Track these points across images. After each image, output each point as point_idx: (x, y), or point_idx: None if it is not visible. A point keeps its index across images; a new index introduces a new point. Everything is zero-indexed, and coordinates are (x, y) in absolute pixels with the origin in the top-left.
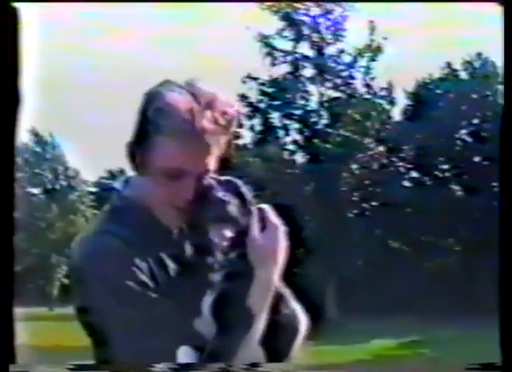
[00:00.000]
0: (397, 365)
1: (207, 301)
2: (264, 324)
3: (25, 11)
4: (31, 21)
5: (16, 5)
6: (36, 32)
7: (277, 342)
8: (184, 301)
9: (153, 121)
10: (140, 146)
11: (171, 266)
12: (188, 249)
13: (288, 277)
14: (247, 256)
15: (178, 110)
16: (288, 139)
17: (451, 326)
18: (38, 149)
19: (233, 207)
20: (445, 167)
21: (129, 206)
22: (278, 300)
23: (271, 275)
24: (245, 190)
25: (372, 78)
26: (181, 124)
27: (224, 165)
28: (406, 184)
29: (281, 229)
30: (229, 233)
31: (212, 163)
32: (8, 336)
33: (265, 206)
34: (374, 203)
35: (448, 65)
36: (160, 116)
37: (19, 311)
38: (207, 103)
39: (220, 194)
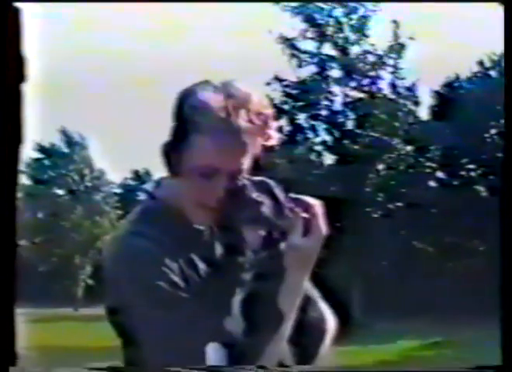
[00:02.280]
0: (422, 366)
1: (237, 300)
2: (293, 325)
3: (29, 10)
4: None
5: (18, 4)
6: (54, 30)
7: (305, 343)
8: (215, 301)
9: (188, 119)
10: (175, 145)
11: (202, 266)
12: (219, 249)
13: (314, 277)
14: (284, 257)
15: (212, 107)
16: (315, 140)
17: (476, 327)
18: (65, 150)
19: (266, 208)
20: (472, 167)
21: (161, 207)
22: (307, 301)
23: (303, 277)
24: (278, 191)
25: (399, 78)
26: (216, 121)
27: (257, 167)
28: (433, 184)
29: (324, 234)
30: (261, 234)
31: (245, 162)
32: (9, 338)
33: (317, 204)
34: (399, 204)
35: (480, 63)
36: (195, 114)
37: (44, 311)
38: (242, 102)
39: (254, 195)
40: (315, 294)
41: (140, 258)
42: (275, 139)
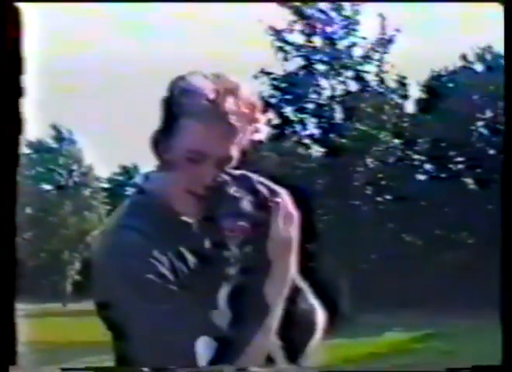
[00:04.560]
0: (410, 358)
1: (223, 293)
2: (282, 317)
3: (27, 10)
4: (34, 20)
5: (17, 4)
6: (41, 30)
7: (295, 335)
8: (202, 294)
9: (178, 102)
10: (164, 132)
11: (190, 259)
12: (207, 242)
13: (302, 271)
14: (266, 248)
15: (201, 90)
16: (303, 133)
17: (464, 320)
18: (54, 145)
19: (245, 202)
20: (460, 159)
21: (149, 201)
22: (296, 293)
23: (289, 267)
24: (260, 184)
25: (385, 71)
26: (205, 104)
27: (244, 160)
28: (421, 177)
29: (297, 219)
30: (242, 228)
31: (234, 151)
32: (9, 337)
33: (284, 192)
34: (388, 197)
35: (463, 57)
36: (185, 97)
37: (33, 307)
38: (231, 89)
39: (232, 190)
40: (304, 286)
41: (129, 251)
42: (263, 131)
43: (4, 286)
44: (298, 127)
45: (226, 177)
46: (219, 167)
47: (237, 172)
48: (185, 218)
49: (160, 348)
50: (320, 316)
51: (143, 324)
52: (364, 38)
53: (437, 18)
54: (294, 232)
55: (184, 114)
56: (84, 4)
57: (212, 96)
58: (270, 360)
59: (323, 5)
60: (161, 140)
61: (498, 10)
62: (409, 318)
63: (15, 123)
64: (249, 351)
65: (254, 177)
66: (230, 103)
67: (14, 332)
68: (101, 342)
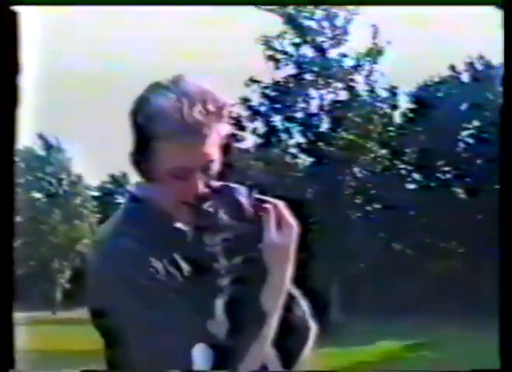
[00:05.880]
0: (401, 367)
1: (220, 302)
2: (277, 325)
3: (25, 13)
4: (31, 23)
5: (16, 7)
6: (37, 34)
7: (289, 343)
8: (198, 302)
9: (146, 128)
10: (141, 153)
11: (185, 267)
12: (200, 251)
13: (294, 279)
14: (260, 258)
15: (167, 113)
16: (290, 142)
17: (455, 328)
18: (42, 154)
19: (223, 215)
20: (447, 169)
21: (143, 208)
22: (291, 300)
23: (285, 274)
24: (242, 195)
25: (374, 81)
26: (174, 124)
27: (226, 154)
28: (409, 186)
29: (295, 229)
30: (223, 240)
31: (213, 153)
32: (8, 342)
33: (280, 203)
34: (377, 206)
35: (452, 68)
36: (151, 122)
37: (22, 315)
38: (194, 96)
39: (207, 204)
40: (297, 294)
41: (125, 258)
42: (245, 140)
43: (3, 292)
44: (285, 136)
45: (205, 191)
46: (206, 173)
47: (218, 184)
48: (180, 226)
49: (156, 355)
50: (313, 324)
51: (139, 331)
52: (354, 48)
53: (429, 27)
54: (292, 240)
55: (155, 138)
56: (79, 13)
57: (178, 115)
58: (264, 368)
59: (315, 14)
60: (141, 160)
61: (492, 18)
62: (400, 327)
63: (9, 131)
64: (246, 359)
65: (237, 188)
66: (196, 112)
67: (12, 338)
68: (90, 350)
